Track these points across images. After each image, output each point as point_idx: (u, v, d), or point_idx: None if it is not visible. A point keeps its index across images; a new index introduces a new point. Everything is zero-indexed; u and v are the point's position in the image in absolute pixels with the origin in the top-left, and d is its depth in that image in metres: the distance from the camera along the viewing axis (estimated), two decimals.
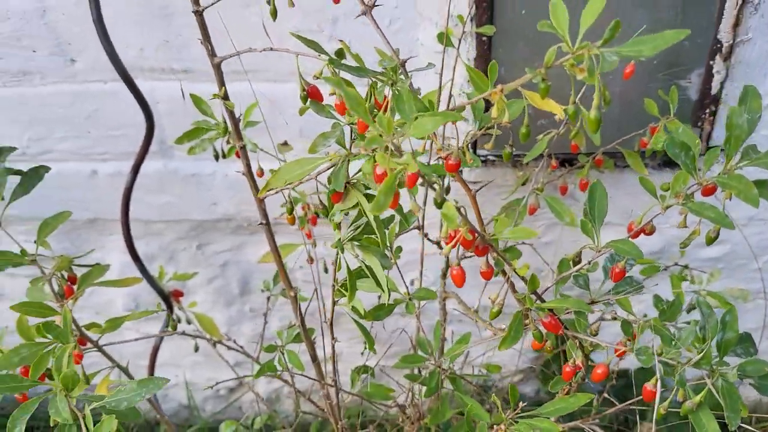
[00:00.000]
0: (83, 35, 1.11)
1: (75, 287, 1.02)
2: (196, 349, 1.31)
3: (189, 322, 1.32)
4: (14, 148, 1.00)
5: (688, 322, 0.79)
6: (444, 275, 1.21)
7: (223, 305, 1.51)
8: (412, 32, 1.08)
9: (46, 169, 1.02)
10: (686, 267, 1.19)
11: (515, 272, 0.63)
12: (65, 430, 0.73)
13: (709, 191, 0.65)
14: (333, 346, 0.94)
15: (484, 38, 1.03)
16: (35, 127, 1.22)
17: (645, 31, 0.55)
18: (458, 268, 0.61)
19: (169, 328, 1.15)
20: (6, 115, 1.20)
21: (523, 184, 1.09)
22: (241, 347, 1.21)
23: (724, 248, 1.32)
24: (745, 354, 0.65)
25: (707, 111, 1.10)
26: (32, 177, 1.01)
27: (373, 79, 0.65)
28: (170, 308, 1.32)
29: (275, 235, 0.95)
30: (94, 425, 0.73)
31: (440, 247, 1.17)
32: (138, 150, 1.16)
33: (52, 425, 0.76)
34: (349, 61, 0.74)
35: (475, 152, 1.16)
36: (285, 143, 1.09)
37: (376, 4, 0.65)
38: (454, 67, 1.03)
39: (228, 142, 1.02)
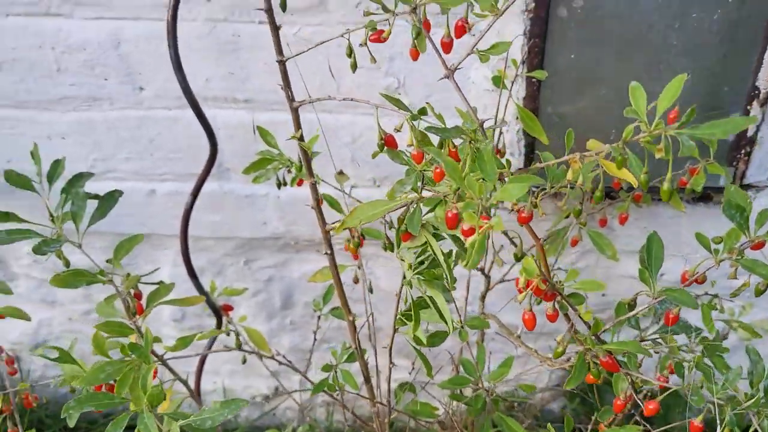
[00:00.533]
0: (153, 66, 1.18)
1: (143, 304, 1.09)
2: (244, 361, 1.37)
3: (237, 335, 1.39)
4: (91, 174, 1.07)
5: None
6: (483, 298, 1.27)
7: (265, 318, 1.58)
8: (465, 71, 1.14)
9: (120, 193, 1.09)
10: (716, 296, 1.25)
11: (579, 317, 0.69)
12: None
13: (758, 246, 0.71)
14: (390, 370, 1.01)
15: (534, 80, 1.09)
16: (101, 149, 1.28)
17: (690, 78, 0.61)
18: (530, 313, 0.68)
19: (228, 345, 1.21)
20: (75, 137, 1.27)
21: (566, 217, 1.15)
22: (290, 362, 1.27)
23: (756, 279, 1.38)
24: None
25: (743, 152, 1.16)
26: (108, 201, 1.08)
27: (456, 138, 0.71)
28: (220, 321, 1.39)
29: (319, 254, 1.01)
30: None
31: (484, 274, 1.23)
32: (199, 173, 1.23)
33: None
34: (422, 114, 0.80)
35: None
36: (341, 173, 1.15)
37: (458, 67, 0.71)
38: (506, 106, 1.09)
39: (289, 172, 1.08)
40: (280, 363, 1.25)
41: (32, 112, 1.24)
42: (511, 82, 1.08)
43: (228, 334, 1.33)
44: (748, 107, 1.11)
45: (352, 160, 1.27)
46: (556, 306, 0.69)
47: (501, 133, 1.13)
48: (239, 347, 1.15)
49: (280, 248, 1.44)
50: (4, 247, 1.43)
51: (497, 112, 1.05)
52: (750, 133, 1.13)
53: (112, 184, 1.24)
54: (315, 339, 1.35)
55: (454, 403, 1.27)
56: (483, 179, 0.66)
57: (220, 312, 1.37)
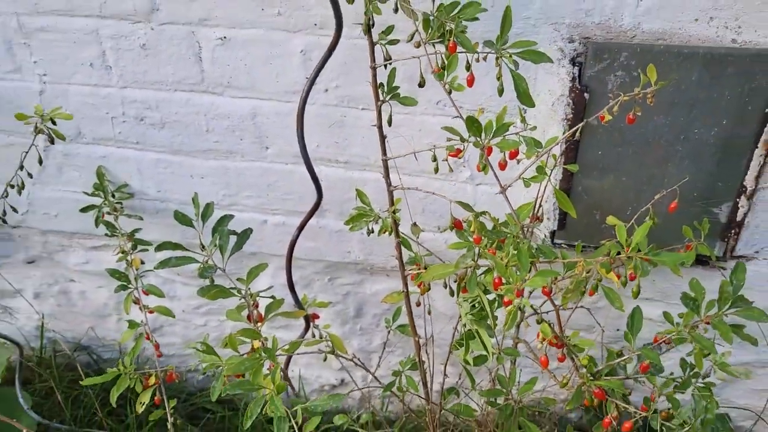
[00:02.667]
0: (277, 132, 1.55)
1: (262, 313, 1.47)
2: (325, 359, 1.74)
3: (321, 337, 1.76)
4: (232, 216, 1.45)
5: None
6: (517, 326, 1.61)
7: (340, 324, 1.95)
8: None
9: (250, 230, 1.47)
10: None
11: (579, 361, 1.02)
12: (281, 422, 1.17)
13: (707, 321, 1.03)
14: (443, 380, 1.36)
15: (569, 169, 1.42)
16: (230, 188, 1.67)
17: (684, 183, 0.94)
18: (545, 356, 1.02)
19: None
20: (211, 178, 1.66)
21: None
22: (362, 363, 1.63)
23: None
24: (722, 428, 1.04)
25: (732, 231, 1.47)
26: (243, 237, 1.46)
27: (502, 233, 1.05)
28: (308, 326, 1.76)
29: (388, 277, 1.36)
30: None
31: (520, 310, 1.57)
32: (302, 211, 1.60)
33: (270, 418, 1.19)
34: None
35: (552, 242, 1.56)
36: (415, 224, 1.50)
37: (510, 186, 1.05)
38: (545, 187, 1.42)
39: (376, 223, 1.44)
40: (356, 363, 1.61)
41: (183, 157, 1.63)
42: (550, 170, 1.41)
43: (320, 338, 1.71)
44: (737, 199, 1.41)
45: (423, 211, 1.62)
46: (564, 352, 1.03)
47: (541, 205, 1.46)
48: (332, 352, 1.50)
49: (359, 271, 1.81)
50: (164, 223, 1.81)
51: (539, 192, 1.39)
52: (738, 218, 1.44)
53: (235, 214, 1.62)
54: (384, 347, 1.71)
55: (489, 407, 1.62)
56: (518, 265, 1.00)
57: (309, 319, 1.74)
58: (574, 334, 1.08)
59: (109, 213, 1.65)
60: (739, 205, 1.42)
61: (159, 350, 1.62)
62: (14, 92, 1.58)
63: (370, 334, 1.96)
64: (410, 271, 1.28)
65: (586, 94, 1.32)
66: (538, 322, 0.97)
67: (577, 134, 1.28)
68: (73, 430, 1.91)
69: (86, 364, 2.23)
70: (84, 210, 1.64)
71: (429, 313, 1.65)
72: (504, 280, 1.01)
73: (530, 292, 1.57)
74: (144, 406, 1.48)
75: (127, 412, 2.04)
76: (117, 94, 1.54)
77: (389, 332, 1.64)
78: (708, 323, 1.04)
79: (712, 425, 1.00)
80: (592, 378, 1.04)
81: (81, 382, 1.48)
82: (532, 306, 0.99)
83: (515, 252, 1.01)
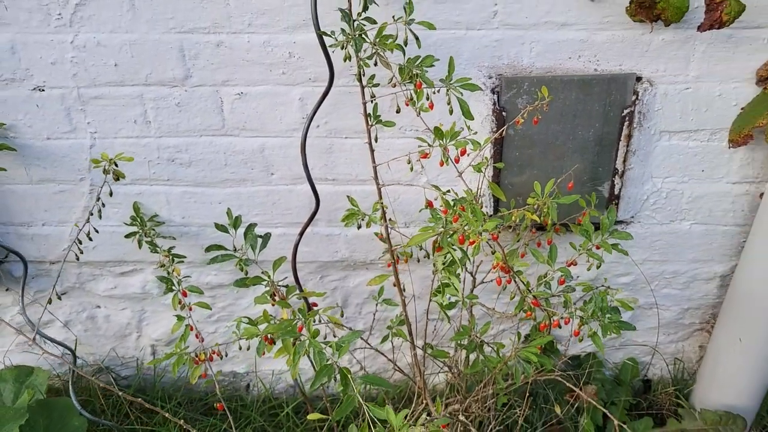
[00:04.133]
0: (280, 161, 2.05)
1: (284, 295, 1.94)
2: (325, 337, 2.22)
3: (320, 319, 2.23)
4: (255, 224, 1.93)
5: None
6: (472, 290, 2.14)
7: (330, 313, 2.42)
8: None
9: (270, 234, 1.95)
10: (609, 288, 2.15)
11: (521, 281, 1.56)
12: (320, 355, 1.64)
13: (598, 247, 1.61)
14: (425, 334, 1.87)
15: (497, 167, 2.00)
16: (242, 209, 2.15)
17: (576, 170, 1.54)
18: (498, 278, 1.55)
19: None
20: (226, 202, 2.13)
21: (518, 240, 2.04)
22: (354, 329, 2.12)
23: (631, 278, 2.29)
24: (612, 316, 1.59)
25: (613, 202, 2.07)
26: (266, 239, 1.94)
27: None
28: (309, 309, 2.23)
29: (368, 270, 1.87)
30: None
31: (473, 276, 2.11)
32: (299, 222, 2.10)
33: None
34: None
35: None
36: (390, 219, 2.03)
37: (463, 172, 1.60)
38: (481, 183, 1.98)
39: (363, 220, 1.95)
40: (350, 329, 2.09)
41: (204, 188, 2.11)
42: (484, 168, 1.98)
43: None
44: (613, 179, 2.02)
45: (393, 212, 2.15)
46: (510, 276, 1.57)
47: (480, 196, 2.02)
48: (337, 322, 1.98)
49: (344, 268, 2.31)
50: (187, 244, 2.25)
51: (479, 184, 1.95)
52: (616, 192, 2.05)
53: None
54: (374, 318, 2.21)
55: (458, 348, 2.14)
56: (476, 220, 1.54)
57: (310, 305, 2.22)
58: (516, 262, 1.62)
59: (145, 237, 2.10)
60: (615, 183, 2.04)
61: (200, 337, 2.05)
62: (68, 148, 2.03)
63: (353, 321, 2.45)
64: (397, 246, 1.80)
65: (504, 113, 1.90)
66: (492, 253, 1.51)
67: (502, 138, 1.86)
68: (118, 426, 2.29)
69: (106, 383, 2.60)
70: (127, 236, 2.08)
71: (403, 289, 2.17)
72: (467, 233, 1.54)
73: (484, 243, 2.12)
74: (196, 379, 1.91)
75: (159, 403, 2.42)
76: (154, 143, 2.02)
77: (377, 305, 2.14)
78: (598, 247, 1.61)
79: (605, 310, 1.55)
80: (529, 291, 1.59)
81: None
82: (488, 241, 1.53)
83: (473, 213, 1.55)
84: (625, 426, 1.70)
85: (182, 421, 1.79)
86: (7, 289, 2.34)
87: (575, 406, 2.41)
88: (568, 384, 1.91)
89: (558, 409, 1.90)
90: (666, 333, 2.45)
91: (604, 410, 1.69)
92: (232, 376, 2.61)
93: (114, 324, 2.49)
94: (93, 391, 2.51)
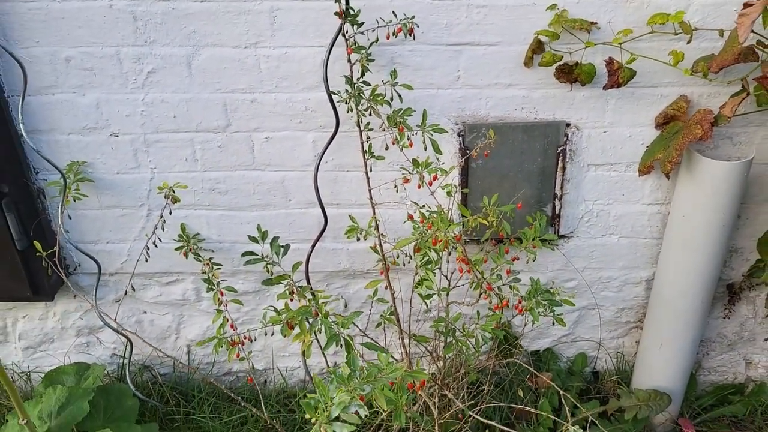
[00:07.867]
0: (296, 188, 2.64)
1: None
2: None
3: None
4: (278, 237, 2.51)
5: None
6: (447, 293, 2.71)
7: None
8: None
9: (288, 246, 2.53)
10: (557, 289, 2.72)
11: (478, 270, 2.13)
12: (331, 330, 2.19)
13: (534, 246, 2.19)
14: (410, 313, 2.44)
15: (464, 192, 2.60)
16: (266, 227, 2.73)
17: (522, 194, 2.13)
18: (461, 268, 2.12)
19: None
20: (254, 223, 2.71)
21: (481, 250, 2.62)
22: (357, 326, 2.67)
23: (575, 282, 2.87)
24: (547, 297, 2.16)
25: (556, 221, 2.66)
26: (287, 248, 2.51)
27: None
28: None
29: (364, 279, 2.45)
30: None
31: (447, 279, 2.68)
32: (310, 238, 2.68)
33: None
34: None
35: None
36: (382, 234, 2.61)
37: (434, 191, 2.20)
38: (450, 206, 2.57)
39: (361, 233, 2.53)
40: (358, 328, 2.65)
41: (236, 212, 2.70)
42: (454, 192, 2.57)
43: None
44: (555, 201, 2.62)
45: (385, 229, 2.74)
46: (470, 267, 2.15)
47: (452, 216, 2.61)
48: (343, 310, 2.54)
49: (345, 277, 2.88)
50: (221, 257, 2.82)
51: (449, 205, 2.54)
52: (558, 212, 2.64)
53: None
54: (368, 320, 2.77)
55: (439, 340, 2.69)
56: (443, 224, 2.12)
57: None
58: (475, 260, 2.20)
59: (190, 250, 2.67)
60: (556, 205, 2.63)
61: (234, 326, 2.61)
62: (133, 180, 2.62)
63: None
64: (391, 248, 2.38)
65: (467, 150, 2.51)
66: (455, 248, 2.10)
67: (467, 170, 2.46)
68: (163, 406, 2.81)
69: (147, 379, 3.13)
70: (177, 249, 2.66)
71: (393, 291, 2.73)
72: (438, 236, 2.12)
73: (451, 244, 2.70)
74: (233, 358, 2.45)
75: (191, 392, 2.95)
76: (199, 176, 2.61)
77: (372, 303, 2.70)
78: (534, 246, 2.20)
79: (539, 291, 2.12)
80: (484, 279, 2.16)
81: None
82: (453, 238, 2.12)
83: (441, 220, 2.14)
84: (578, 405, 2.25)
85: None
86: (74, 296, 2.90)
87: (536, 390, 2.95)
88: (530, 369, 2.47)
89: (521, 393, 2.45)
90: (607, 330, 3.01)
91: (560, 390, 2.24)
92: (252, 372, 3.15)
93: (157, 327, 3.03)
94: (141, 383, 3.04)
